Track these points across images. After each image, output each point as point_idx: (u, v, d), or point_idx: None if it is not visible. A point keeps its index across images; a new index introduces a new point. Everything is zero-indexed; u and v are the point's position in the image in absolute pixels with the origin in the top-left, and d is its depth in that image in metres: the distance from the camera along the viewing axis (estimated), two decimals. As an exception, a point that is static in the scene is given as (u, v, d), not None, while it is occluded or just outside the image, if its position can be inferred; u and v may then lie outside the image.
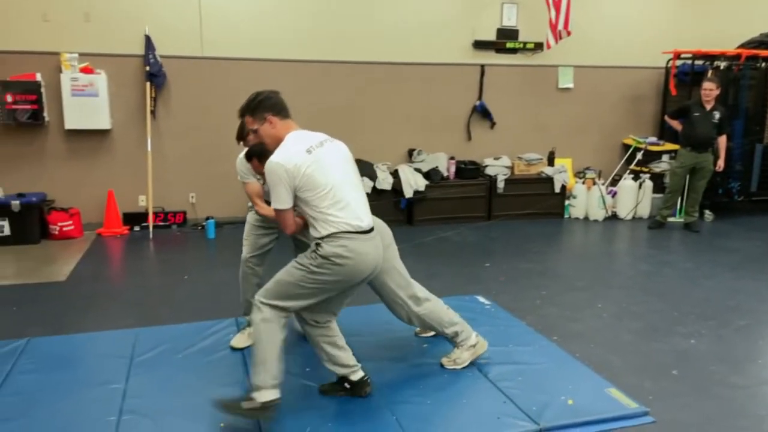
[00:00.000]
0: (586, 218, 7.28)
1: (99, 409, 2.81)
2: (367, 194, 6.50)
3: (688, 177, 6.69)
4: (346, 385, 2.91)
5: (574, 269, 5.44)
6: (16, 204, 5.78)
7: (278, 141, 2.69)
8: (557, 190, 7.28)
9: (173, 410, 2.80)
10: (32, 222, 5.90)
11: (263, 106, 2.74)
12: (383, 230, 3.08)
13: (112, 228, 6.31)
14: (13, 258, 5.42)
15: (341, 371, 2.89)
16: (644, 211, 7.28)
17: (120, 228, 6.34)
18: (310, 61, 6.75)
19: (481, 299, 4.38)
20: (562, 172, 7.31)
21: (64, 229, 6.08)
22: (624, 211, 7.22)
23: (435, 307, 3.25)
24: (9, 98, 5.86)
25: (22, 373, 3.14)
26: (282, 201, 2.61)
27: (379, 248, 2.81)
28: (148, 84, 6.23)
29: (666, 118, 7.00)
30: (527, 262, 5.54)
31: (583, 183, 7.34)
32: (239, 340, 3.48)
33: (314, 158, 2.61)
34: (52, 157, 6.23)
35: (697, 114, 6.42)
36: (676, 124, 6.79)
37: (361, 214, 2.71)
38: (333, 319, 2.92)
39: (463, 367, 3.25)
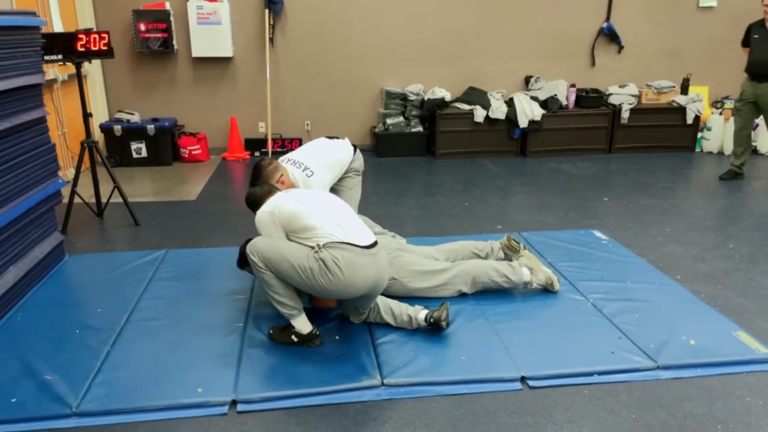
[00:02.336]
0: (721, 153, 6.67)
1: (229, 315, 3.07)
2: (479, 123, 6.46)
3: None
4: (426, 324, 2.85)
5: (704, 207, 5.05)
6: (151, 128, 6.24)
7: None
8: (689, 121, 6.69)
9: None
10: (165, 145, 6.36)
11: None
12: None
13: (235, 153, 6.66)
14: (150, 177, 5.91)
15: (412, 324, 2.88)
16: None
17: (242, 153, 6.69)
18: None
19: (598, 234, 4.21)
20: (697, 102, 6.69)
21: (193, 152, 6.51)
22: (765, 146, 6.53)
23: (467, 268, 3.21)
24: (142, 27, 6.23)
25: (162, 280, 3.48)
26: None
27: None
28: (266, 11, 6.35)
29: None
30: (650, 197, 5.22)
31: (721, 113, 6.68)
32: None
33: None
34: (181, 84, 6.61)
35: (756, 36, 5.40)
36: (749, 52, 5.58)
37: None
38: (366, 312, 2.92)
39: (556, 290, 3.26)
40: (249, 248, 2.67)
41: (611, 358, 2.67)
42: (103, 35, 4.18)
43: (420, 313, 2.85)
